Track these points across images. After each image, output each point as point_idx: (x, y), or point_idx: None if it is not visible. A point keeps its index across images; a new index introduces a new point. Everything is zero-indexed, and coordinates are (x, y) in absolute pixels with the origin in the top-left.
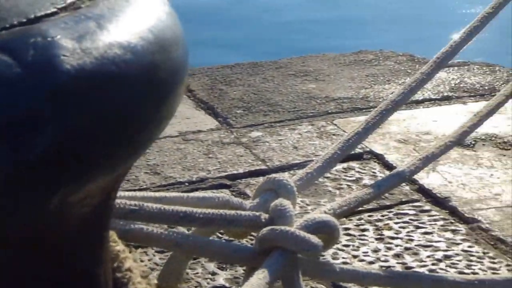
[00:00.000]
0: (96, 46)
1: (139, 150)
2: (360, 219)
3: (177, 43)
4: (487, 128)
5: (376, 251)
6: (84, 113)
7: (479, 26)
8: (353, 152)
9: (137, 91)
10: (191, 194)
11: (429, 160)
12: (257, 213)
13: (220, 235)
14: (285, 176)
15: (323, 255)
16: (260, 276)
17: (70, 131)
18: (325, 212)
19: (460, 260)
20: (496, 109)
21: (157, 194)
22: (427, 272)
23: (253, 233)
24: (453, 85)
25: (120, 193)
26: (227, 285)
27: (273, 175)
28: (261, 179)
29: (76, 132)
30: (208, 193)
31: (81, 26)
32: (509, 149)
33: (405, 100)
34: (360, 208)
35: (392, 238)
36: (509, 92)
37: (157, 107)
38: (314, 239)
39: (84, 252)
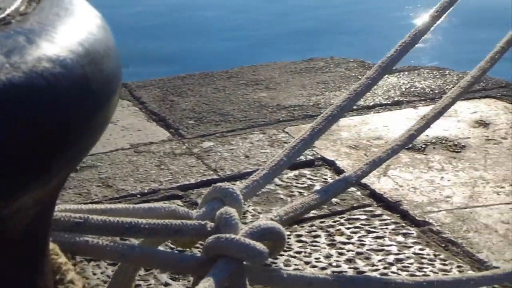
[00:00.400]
0: (24, 61)
1: (71, 162)
2: (312, 225)
3: (108, 56)
4: (437, 131)
5: (328, 256)
6: (13, 127)
7: (423, 30)
8: (304, 159)
9: (67, 104)
10: (137, 206)
11: (376, 164)
12: (203, 222)
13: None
14: (235, 184)
15: (275, 263)
16: (206, 285)
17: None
18: (271, 219)
19: (411, 263)
20: (443, 111)
21: (103, 206)
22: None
23: (201, 242)
24: (403, 90)
25: (66, 206)
26: None
27: (219, 183)
28: None
29: (6, 146)
30: (155, 204)
31: (11, 41)
32: (460, 152)
33: (351, 105)
34: (312, 215)
35: (344, 243)
36: (455, 95)
37: (89, 119)
38: (260, 246)
39: (24, 264)
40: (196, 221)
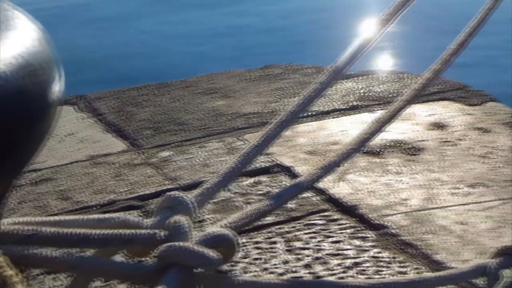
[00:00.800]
0: None
1: (10, 173)
2: (270, 232)
3: (49, 68)
4: (394, 135)
5: (285, 262)
6: None
7: (373, 34)
8: (261, 166)
9: (5, 114)
10: (89, 216)
11: (329, 168)
12: (155, 231)
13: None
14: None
15: (233, 270)
16: None
17: None
18: (224, 226)
19: (369, 267)
20: (397, 114)
21: (55, 218)
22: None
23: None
24: (360, 94)
25: (17, 219)
26: None
27: (171, 192)
28: None
29: None
30: (108, 214)
31: None
32: (416, 154)
33: (303, 111)
34: (270, 221)
35: (302, 249)
36: (409, 97)
37: (28, 131)
38: (211, 253)
39: None
40: (148, 230)
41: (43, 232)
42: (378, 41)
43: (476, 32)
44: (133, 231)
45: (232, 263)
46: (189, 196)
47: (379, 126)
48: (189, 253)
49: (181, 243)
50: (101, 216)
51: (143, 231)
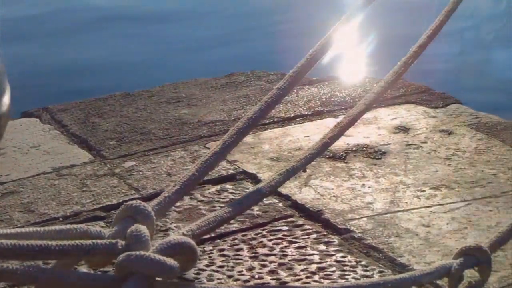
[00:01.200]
0: None
1: None
2: (234, 239)
3: None
4: (358, 139)
5: (250, 269)
6: None
7: (329, 39)
8: (226, 174)
9: None
10: (49, 228)
11: (290, 173)
12: (114, 241)
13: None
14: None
15: (198, 278)
16: None
17: None
18: (184, 234)
19: (333, 271)
20: (357, 118)
21: (16, 230)
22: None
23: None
24: (324, 99)
25: None
26: None
27: (130, 201)
28: None
29: None
30: (68, 226)
31: None
32: (380, 158)
33: (263, 117)
34: (234, 228)
35: (267, 255)
36: (369, 101)
37: None
38: (170, 261)
39: None
40: (108, 240)
41: (3, 244)
42: (344, 48)
43: (436, 34)
44: (93, 241)
45: (197, 271)
46: (149, 205)
47: (340, 130)
48: (148, 262)
49: (139, 252)
50: (62, 227)
51: (103, 241)
